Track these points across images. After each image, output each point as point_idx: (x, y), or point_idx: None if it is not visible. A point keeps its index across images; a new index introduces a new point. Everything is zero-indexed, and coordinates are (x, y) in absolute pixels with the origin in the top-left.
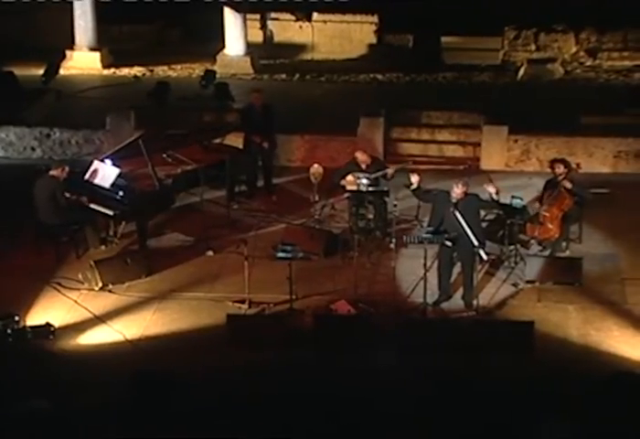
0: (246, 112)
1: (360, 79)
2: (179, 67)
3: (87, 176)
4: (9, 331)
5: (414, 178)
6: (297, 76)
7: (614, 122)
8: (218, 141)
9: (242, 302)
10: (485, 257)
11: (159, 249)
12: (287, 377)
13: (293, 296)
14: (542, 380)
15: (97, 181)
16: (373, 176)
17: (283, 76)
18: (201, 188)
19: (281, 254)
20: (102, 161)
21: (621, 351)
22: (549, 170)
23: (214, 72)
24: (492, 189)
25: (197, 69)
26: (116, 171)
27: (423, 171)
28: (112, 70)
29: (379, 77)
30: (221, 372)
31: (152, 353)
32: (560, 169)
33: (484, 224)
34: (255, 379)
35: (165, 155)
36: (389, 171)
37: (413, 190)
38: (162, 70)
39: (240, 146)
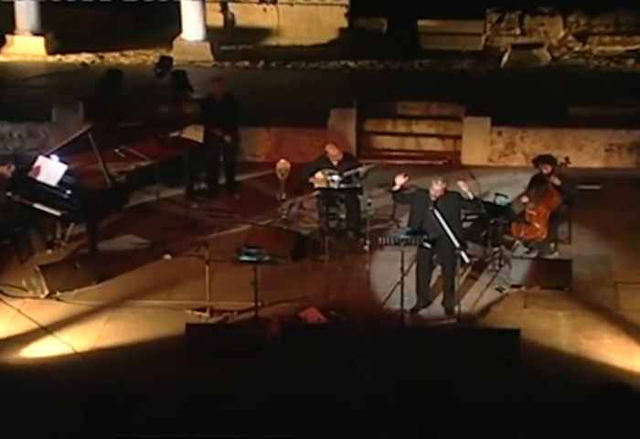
0: (206, 102)
1: (330, 66)
2: (132, 53)
3: (31, 174)
4: None
5: (400, 180)
6: (261, 63)
7: (606, 112)
8: (175, 134)
9: (203, 310)
10: (466, 260)
11: (111, 252)
12: (252, 391)
13: (259, 304)
14: (529, 393)
15: (42, 179)
16: (345, 173)
17: (246, 63)
18: (157, 186)
19: (245, 258)
20: (48, 157)
21: (613, 361)
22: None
23: (170, 59)
24: (465, 189)
25: (151, 56)
26: (63, 167)
27: (400, 167)
28: (58, 57)
29: (351, 64)
30: (180, 387)
31: (103, 366)
32: (548, 170)
33: (465, 224)
34: (217, 393)
35: (117, 150)
36: (362, 170)
37: (394, 192)
38: (113, 57)
39: (200, 140)
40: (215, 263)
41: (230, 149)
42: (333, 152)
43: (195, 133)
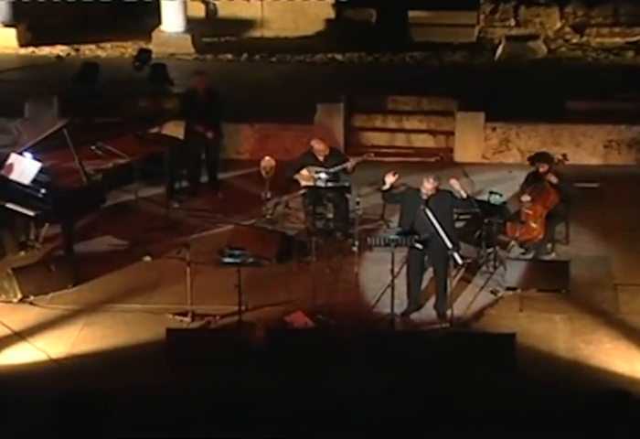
0: (187, 97)
1: (317, 59)
2: (109, 45)
3: (2, 172)
4: None
5: (389, 178)
6: (245, 56)
7: (605, 107)
8: (155, 130)
9: (184, 314)
10: (459, 261)
11: (88, 254)
12: (235, 398)
13: (242, 308)
14: (525, 400)
15: (14, 177)
16: (332, 170)
17: (229, 56)
18: (136, 185)
19: (228, 260)
20: (21, 154)
21: (613, 366)
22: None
23: (149, 52)
24: (457, 187)
25: (129, 49)
26: (37, 165)
27: (390, 164)
28: (31, 49)
29: (339, 57)
30: (160, 395)
31: (80, 374)
32: (545, 168)
33: (458, 224)
34: (199, 401)
35: (93, 147)
36: (349, 164)
37: (383, 191)
38: (89, 50)
39: (181, 137)
40: (196, 266)
41: (213, 146)
42: (319, 147)
43: (175, 130)
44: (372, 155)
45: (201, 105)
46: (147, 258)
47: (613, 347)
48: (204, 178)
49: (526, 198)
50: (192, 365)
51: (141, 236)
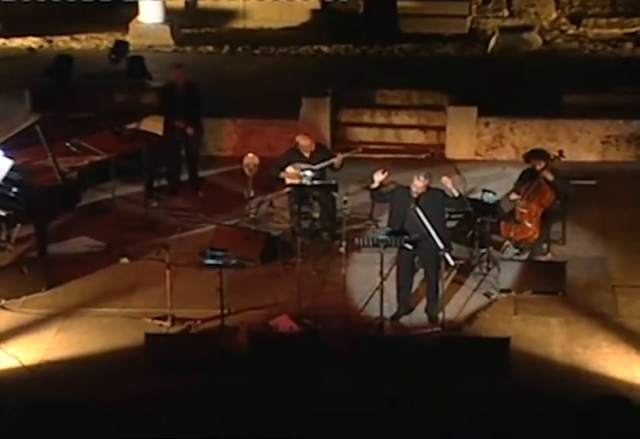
0: (166, 91)
1: (302, 51)
2: (84, 37)
3: None
4: None
5: (378, 176)
6: (227, 48)
7: (602, 101)
8: (132, 126)
9: (164, 319)
10: (451, 262)
11: (62, 256)
12: (218, 406)
13: (225, 311)
14: (520, 407)
15: None
16: (318, 166)
17: (210, 48)
18: (113, 183)
19: (209, 261)
20: None
21: (611, 372)
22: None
23: (126, 44)
24: (449, 185)
25: (105, 40)
26: (8, 163)
27: (378, 161)
28: (2, 41)
29: (325, 49)
30: (139, 403)
31: (54, 381)
32: (540, 165)
33: (450, 223)
34: (179, 409)
35: (68, 144)
36: (336, 160)
37: (372, 189)
38: (62, 41)
39: (160, 133)
40: (176, 267)
41: (193, 142)
42: (304, 142)
43: (154, 125)
44: (360, 149)
45: (181, 100)
46: (125, 260)
47: (612, 352)
48: (184, 176)
49: (514, 196)
50: (172, 372)
51: (118, 237)
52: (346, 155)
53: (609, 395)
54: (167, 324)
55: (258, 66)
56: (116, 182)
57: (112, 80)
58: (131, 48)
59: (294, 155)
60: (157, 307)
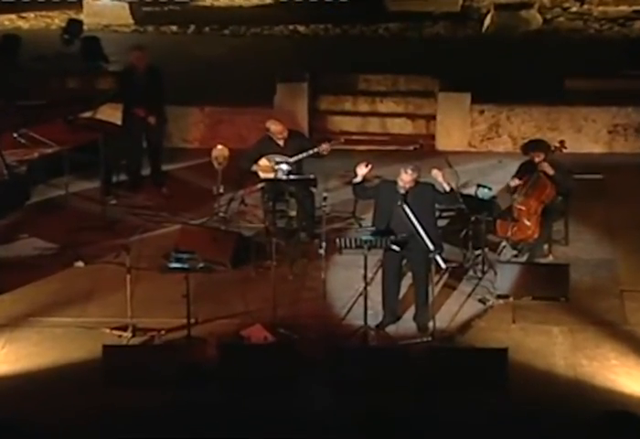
0: (125, 76)
1: (276, 31)
2: (32, 15)
3: None
4: None
5: (361, 170)
6: (192, 28)
7: (609, 86)
8: (88, 115)
9: (124, 329)
10: (443, 265)
11: (9, 260)
12: (183, 425)
13: (192, 320)
14: (519, 424)
15: None
16: (295, 158)
17: (174, 28)
18: (66, 178)
19: (174, 265)
20: None
21: (620, 386)
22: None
23: (80, 23)
24: (440, 179)
25: (56, 19)
26: None
27: (362, 153)
28: None
29: (301, 29)
30: (95, 421)
31: (1, 398)
32: (540, 157)
33: (441, 222)
34: (140, 429)
35: (16, 135)
36: (323, 147)
37: (355, 185)
38: (8, 20)
39: (119, 122)
40: (138, 272)
41: (155, 133)
42: (276, 128)
43: (111, 114)
44: (342, 140)
45: (141, 85)
46: (80, 263)
47: (620, 364)
48: (146, 171)
49: (514, 181)
50: (133, 387)
51: (72, 238)
52: (333, 143)
53: (617, 411)
54: (128, 334)
55: (227, 48)
56: (70, 177)
57: (65, 64)
58: (85, 27)
59: (267, 145)
60: (116, 316)
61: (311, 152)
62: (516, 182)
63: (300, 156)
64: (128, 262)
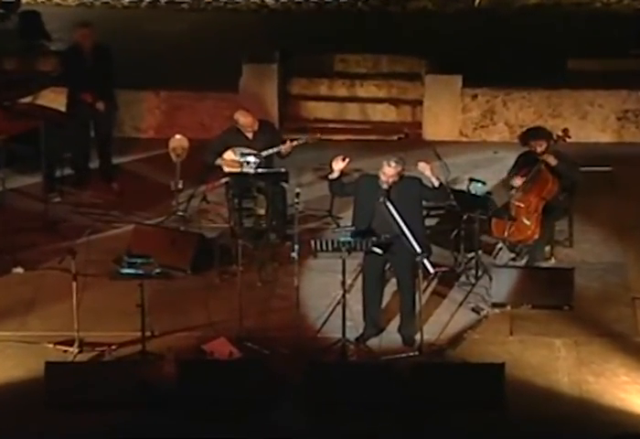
0: (69, 56)
1: (242, 5)
2: None
3: None
4: None
5: (338, 164)
6: (146, 1)
7: (617, 67)
8: (27, 100)
9: (70, 343)
10: (431, 270)
11: None
12: None
13: (147, 333)
14: None
15: None
16: (264, 153)
17: (125, 1)
18: (2, 173)
19: (127, 270)
20: None
21: (631, 405)
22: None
23: None
24: (428, 173)
25: None
26: None
27: (339, 144)
28: None
29: (270, 2)
30: None
31: None
32: (542, 147)
33: (429, 221)
34: None
35: None
36: (284, 148)
37: (331, 180)
38: None
39: (63, 109)
40: (85, 279)
41: (105, 121)
42: (245, 120)
43: (54, 99)
44: (318, 135)
45: (88, 67)
46: (19, 269)
47: (631, 381)
48: (94, 164)
49: (517, 181)
50: (78, 410)
51: (10, 241)
52: (299, 141)
53: (627, 435)
54: (74, 350)
55: (186, 24)
56: (6, 171)
57: (1, 42)
58: (23, 0)
59: (234, 137)
60: (61, 329)
61: (274, 150)
62: (518, 181)
63: (267, 153)
64: (74, 268)
